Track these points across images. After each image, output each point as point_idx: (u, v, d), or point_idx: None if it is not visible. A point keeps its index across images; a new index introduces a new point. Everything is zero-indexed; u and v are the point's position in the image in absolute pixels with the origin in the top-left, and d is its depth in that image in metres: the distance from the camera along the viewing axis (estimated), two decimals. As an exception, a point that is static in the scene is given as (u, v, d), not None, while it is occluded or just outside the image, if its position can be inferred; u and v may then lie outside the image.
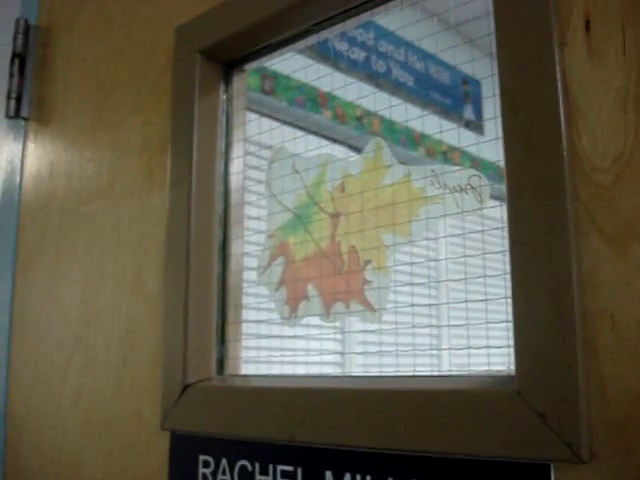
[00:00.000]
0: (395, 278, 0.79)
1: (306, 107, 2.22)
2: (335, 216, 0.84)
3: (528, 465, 0.62)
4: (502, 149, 0.68)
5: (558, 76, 0.64)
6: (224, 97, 0.99)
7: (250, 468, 0.83)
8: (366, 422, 0.72)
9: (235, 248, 0.96)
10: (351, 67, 2.40)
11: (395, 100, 2.49)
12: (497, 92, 0.71)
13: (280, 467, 0.80)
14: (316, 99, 2.24)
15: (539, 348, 0.62)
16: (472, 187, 0.73)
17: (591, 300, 0.61)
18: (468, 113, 2.58)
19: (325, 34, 0.91)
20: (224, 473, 0.86)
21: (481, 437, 0.64)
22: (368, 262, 0.80)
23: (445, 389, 0.68)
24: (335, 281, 0.83)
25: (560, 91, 0.64)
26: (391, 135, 2.44)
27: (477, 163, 2.52)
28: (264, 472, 0.82)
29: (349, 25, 0.90)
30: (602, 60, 0.63)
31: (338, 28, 0.90)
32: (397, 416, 0.70)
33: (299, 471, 0.78)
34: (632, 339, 0.59)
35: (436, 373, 0.75)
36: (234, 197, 0.97)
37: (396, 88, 2.42)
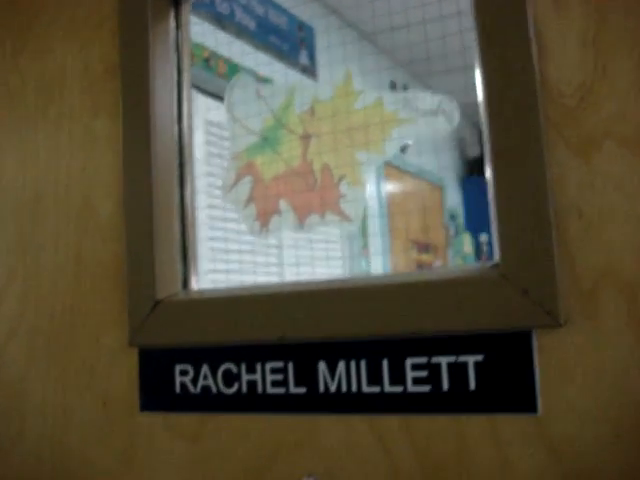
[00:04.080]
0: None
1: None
2: (305, 137, 0.92)
3: (514, 334, 0.76)
4: (480, 77, 0.80)
5: (529, 19, 0.77)
6: (174, 24, 1.01)
7: (235, 370, 0.90)
8: (361, 312, 0.83)
9: (189, 169, 1.01)
10: (197, 8, 2.41)
11: (239, 43, 2.54)
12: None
13: (269, 364, 0.88)
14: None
15: (521, 238, 0.76)
16: (443, 110, 0.85)
17: (562, 198, 0.76)
18: (303, 58, 2.70)
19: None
20: (206, 378, 0.92)
21: (474, 315, 0.77)
22: (342, 178, 0.90)
23: (437, 278, 0.81)
24: (308, 196, 0.92)
25: (531, 31, 0.77)
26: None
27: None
28: (251, 371, 0.89)
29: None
30: (566, 7, 0.77)
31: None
32: (393, 304, 0.81)
33: (290, 365, 0.87)
34: (595, 227, 0.75)
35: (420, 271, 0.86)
36: (186, 122, 1.01)
37: (240, 31, 2.47)
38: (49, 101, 1.07)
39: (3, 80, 1.11)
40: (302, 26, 2.70)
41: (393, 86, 2.57)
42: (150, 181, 0.96)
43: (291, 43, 2.68)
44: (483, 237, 3.62)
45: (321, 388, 0.85)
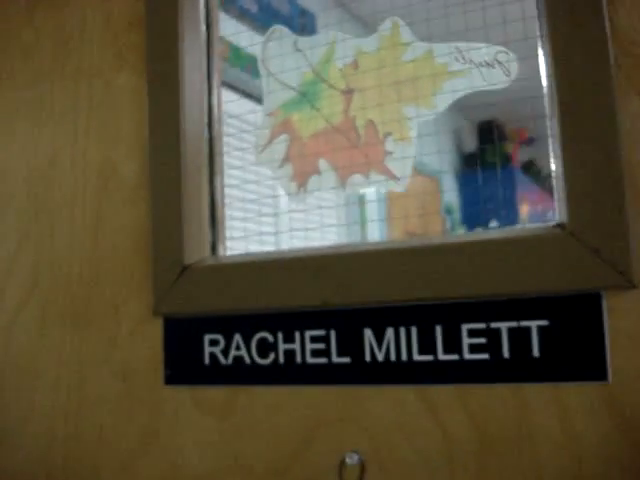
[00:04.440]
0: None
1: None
2: (348, 92, 0.87)
3: (582, 296, 0.71)
4: (544, 24, 0.75)
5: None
6: (203, -26, 0.95)
7: (271, 339, 0.84)
8: (412, 275, 0.77)
9: (219, 128, 0.95)
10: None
11: (241, 27, 2.48)
12: None
13: (309, 333, 0.82)
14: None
15: (592, 195, 0.71)
16: (499, 62, 0.80)
17: (635, 151, 0.71)
18: (305, 45, 2.64)
19: None
20: (238, 348, 0.86)
21: (538, 276, 0.72)
22: (389, 134, 0.84)
23: (497, 237, 0.75)
24: (351, 154, 0.86)
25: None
26: (238, 61, 2.43)
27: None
28: (289, 340, 0.83)
29: None
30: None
31: None
32: (449, 266, 0.76)
33: (332, 334, 0.81)
34: (671, 179, 0.70)
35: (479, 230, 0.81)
36: (216, 79, 0.95)
37: (241, 14, 2.41)
38: (66, 56, 1.00)
39: (16, 35, 1.04)
40: (304, 13, 2.64)
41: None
42: (178, 139, 0.89)
43: (293, 29, 2.62)
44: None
45: (367, 357, 0.79)
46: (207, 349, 0.88)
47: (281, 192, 0.89)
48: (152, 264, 0.90)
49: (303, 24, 2.67)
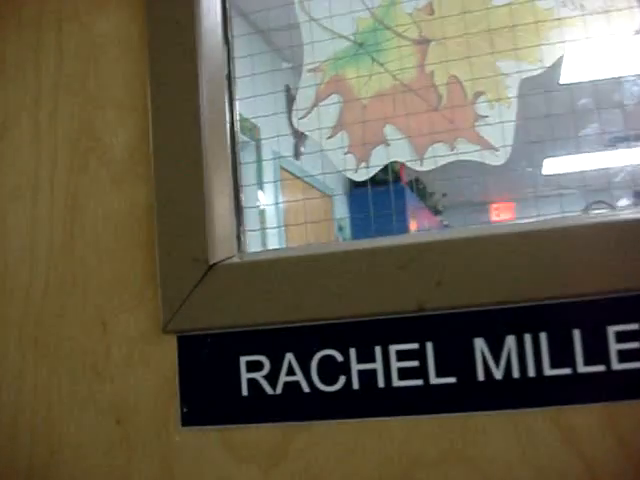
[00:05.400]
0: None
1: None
2: (422, 42, 0.69)
3: None
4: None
5: None
6: None
7: (340, 357, 0.63)
8: (537, 268, 0.60)
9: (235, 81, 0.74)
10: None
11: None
12: None
13: (395, 347, 0.63)
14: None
15: None
16: (618, 9, 0.66)
17: None
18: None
19: None
20: (291, 372, 0.64)
21: None
22: (480, 94, 0.67)
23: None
24: (430, 119, 0.68)
25: None
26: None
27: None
28: (367, 358, 0.63)
29: None
30: None
31: None
32: (585, 253, 0.59)
33: (429, 347, 0.62)
34: None
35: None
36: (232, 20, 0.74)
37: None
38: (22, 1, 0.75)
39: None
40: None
41: (287, 89, 2.36)
42: (196, 96, 0.67)
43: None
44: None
45: (480, 375, 0.61)
46: (245, 375, 0.65)
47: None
48: (158, 264, 0.67)
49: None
